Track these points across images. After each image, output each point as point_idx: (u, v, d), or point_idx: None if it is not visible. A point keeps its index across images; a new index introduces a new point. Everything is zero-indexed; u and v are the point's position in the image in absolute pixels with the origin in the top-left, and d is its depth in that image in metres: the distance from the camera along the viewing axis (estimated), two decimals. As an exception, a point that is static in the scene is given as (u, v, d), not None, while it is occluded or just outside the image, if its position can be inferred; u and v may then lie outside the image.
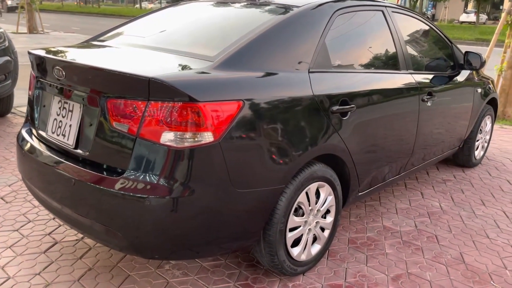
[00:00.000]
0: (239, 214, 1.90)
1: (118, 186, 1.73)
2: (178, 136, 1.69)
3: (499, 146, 4.85)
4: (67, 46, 2.33)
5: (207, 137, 1.71)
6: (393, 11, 2.88)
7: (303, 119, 2.04)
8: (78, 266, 2.27)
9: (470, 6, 40.43)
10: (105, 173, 1.81)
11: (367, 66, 2.59)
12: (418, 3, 30.11)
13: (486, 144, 4.23)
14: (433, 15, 44.15)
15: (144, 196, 1.69)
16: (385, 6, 2.82)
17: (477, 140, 3.99)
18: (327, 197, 2.30)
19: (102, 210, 1.81)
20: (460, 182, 3.72)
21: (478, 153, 4.07)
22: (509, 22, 6.31)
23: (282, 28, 2.11)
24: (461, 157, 3.95)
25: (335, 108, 2.19)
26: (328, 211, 2.36)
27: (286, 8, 2.29)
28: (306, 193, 2.15)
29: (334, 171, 2.33)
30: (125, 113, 1.75)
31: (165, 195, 1.69)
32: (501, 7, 31.52)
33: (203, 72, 1.80)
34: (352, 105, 2.29)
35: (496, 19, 33.53)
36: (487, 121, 4.09)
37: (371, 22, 2.70)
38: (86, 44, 2.49)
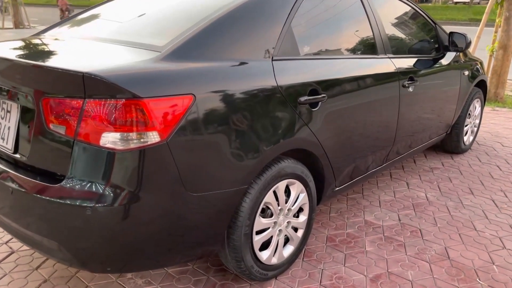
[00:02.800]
0: (197, 219, 1.73)
1: (56, 194, 1.56)
2: (120, 138, 1.51)
3: (490, 130, 4.68)
4: (7, 41, 2.14)
5: (153, 137, 1.53)
6: (369, -10, 2.68)
7: (266, 112, 1.86)
8: (33, 278, 2.11)
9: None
10: (43, 179, 1.63)
11: (340, 51, 2.40)
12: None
13: (475, 129, 4.07)
14: (427, -3, 43.60)
15: (84, 204, 1.52)
16: (360, -15, 2.62)
17: (466, 125, 3.82)
18: (299, 194, 2.14)
19: (42, 221, 1.64)
20: (448, 170, 3.56)
21: (467, 139, 3.90)
22: (499, 1, 6.10)
23: (240, 13, 1.92)
24: (450, 143, 3.79)
25: (303, 99, 2.01)
26: (301, 209, 2.20)
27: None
28: (274, 192, 1.99)
29: (307, 166, 2.17)
30: (61, 113, 1.57)
31: (107, 203, 1.52)
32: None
33: (147, 64, 1.62)
34: (323, 95, 2.11)
35: (491, -2, 33.13)
36: (476, 104, 3.92)
37: (344, 2, 2.50)
38: (30, 38, 2.29)
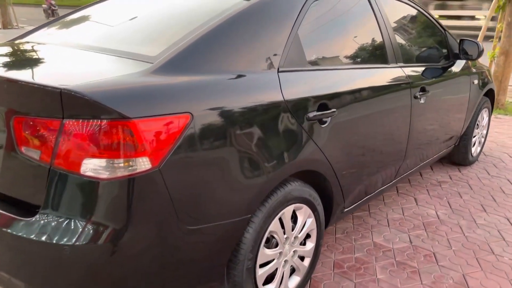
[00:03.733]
0: (193, 255, 1.51)
1: (29, 228, 1.33)
2: (105, 165, 1.29)
3: (495, 139, 4.52)
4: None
5: (143, 163, 1.31)
6: (379, -5, 2.48)
7: (272, 131, 1.65)
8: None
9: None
10: (15, 211, 1.40)
11: (350, 61, 2.19)
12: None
13: (483, 139, 3.89)
14: None
15: (62, 242, 1.30)
16: (370, -10, 2.42)
17: (474, 136, 3.64)
18: (306, 219, 1.93)
19: (14, 260, 1.41)
20: (456, 183, 3.37)
21: (474, 150, 3.72)
22: (501, 5, 5.96)
23: (243, 19, 1.70)
24: (457, 155, 3.61)
25: (311, 114, 1.80)
26: (308, 236, 1.99)
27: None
28: (280, 219, 1.78)
29: (314, 187, 1.96)
30: (35, 135, 1.34)
31: (88, 241, 1.29)
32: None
33: (137, 78, 1.40)
34: (333, 110, 1.90)
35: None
36: (484, 114, 3.74)
37: (354, 8, 2.30)
38: (5, 44, 2.05)
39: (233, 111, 1.52)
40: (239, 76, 1.61)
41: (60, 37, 2.02)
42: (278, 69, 1.74)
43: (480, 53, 3.01)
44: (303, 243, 1.97)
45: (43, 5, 17.60)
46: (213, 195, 1.48)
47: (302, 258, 1.98)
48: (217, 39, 1.61)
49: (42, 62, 1.67)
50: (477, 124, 3.63)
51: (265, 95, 1.65)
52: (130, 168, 1.30)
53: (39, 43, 1.94)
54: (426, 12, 2.97)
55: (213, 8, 1.78)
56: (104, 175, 1.28)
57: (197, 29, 1.62)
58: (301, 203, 1.86)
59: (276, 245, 1.81)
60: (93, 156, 1.28)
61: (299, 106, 1.76)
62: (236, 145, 1.52)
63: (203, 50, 1.56)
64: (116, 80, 1.37)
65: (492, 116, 5.48)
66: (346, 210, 2.26)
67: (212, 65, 1.56)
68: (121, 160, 1.29)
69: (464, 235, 2.61)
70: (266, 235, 1.72)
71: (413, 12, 2.85)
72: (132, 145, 1.29)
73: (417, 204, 3.00)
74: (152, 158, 1.32)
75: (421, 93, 2.55)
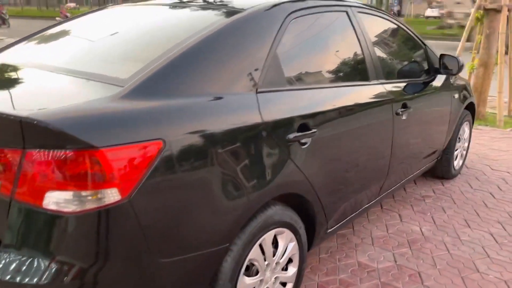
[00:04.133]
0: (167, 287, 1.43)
1: (-12, 268, 1.24)
2: (69, 197, 1.20)
3: (477, 151, 4.54)
4: None
5: (112, 195, 1.23)
6: (359, 12, 2.46)
7: (251, 155, 1.58)
8: None
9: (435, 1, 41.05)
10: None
11: (331, 79, 2.15)
12: (384, 0, 30.20)
13: (464, 152, 3.90)
14: (399, 11, 44.67)
15: (24, 282, 1.20)
16: (350, 6, 2.39)
17: (456, 150, 3.64)
18: (288, 244, 1.86)
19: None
20: (440, 198, 3.35)
21: (457, 163, 3.72)
22: (479, 18, 6.06)
23: (219, 39, 1.65)
24: (440, 169, 3.59)
25: (292, 136, 1.75)
26: (290, 260, 1.92)
27: (226, 13, 1.83)
28: (260, 245, 1.70)
29: (296, 209, 1.90)
30: (-5, 166, 1.25)
31: (52, 281, 1.20)
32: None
33: (106, 104, 1.32)
34: (313, 130, 1.85)
35: (460, 13, 34.15)
36: (465, 127, 3.75)
37: (334, 25, 2.27)
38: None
39: (209, 135, 1.45)
40: (216, 98, 1.55)
41: (24, 57, 1.92)
42: (256, 89, 1.69)
43: (460, 68, 3.02)
44: (285, 268, 1.90)
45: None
46: (188, 225, 1.40)
47: (284, 284, 1.91)
48: (192, 60, 1.55)
49: (2, 86, 1.58)
50: (459, 138, 3.64)
51: (243, 117, 1.59)
52: (97, 200, 1.22)
53: (3, 63, 1.85)
54: (406, 27, 2.97)
55: (189, 28, 1.72)
56: (69, 208, 1.20)
57: (172, 49, 1.56)
58: (282, 227, 1.79)
59: (257, 273, 1.73)
60: (57, 188, 1.20)
61: (278, 128, 1.70)
62: (213, 171, 1.45)
63: (177, 71, 1.50)
64: (82, 106, 1.29)
65: (473, 128, 5.52)
66: (330, 230, 2.21)
67: (187, 88, 1.49)
68: (88, 192, 1.21)
69: (449, 252, 2.57)
70: (246, 263, 1.65)
71: (394, 27, 2.84)
72: (99, 176, 1.21)
73: (401, 221, 2.97)
74: (121, 189, 1.24)
75: (402, 109, 2.53)
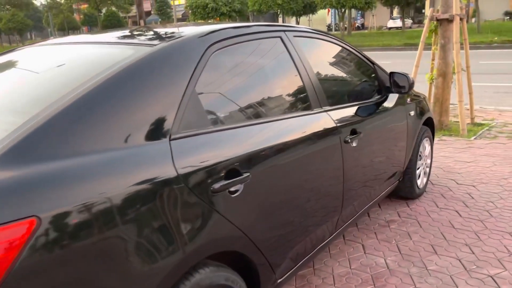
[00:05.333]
0: None
1: None
2: None
3: (441, 165, 4.42)
4: None
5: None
6: (296, 36, 2.28)
7: (164, 216, 1.34)
8: None
9: (395, 13, 42.30)
10: None
11: (264, 113, 1.94)
12: (346, 13, 30.82)
13: (428, 169, 3.75)
14: (362, 24, 45.78)
15: None
16: (284, 31, 2.21)
17: (418, 168, 3.49)
18: (226, 308, 1.61)
19: None
20: (405, 222, 3.17)
21: (420, 182, 3.57)
22: (433, 29, 6.06)
23: (118, 84, 1.42)
24: (403, 190, 3.43)
25: (218, 185, 1.52)
26: (232, 325, 1.67)
27: (134, 51, 1.61)
28: (188, 318, 1.45)
29: (233, 265, 1.66)
30: None
31: None
32: (423, 11, 33.07)
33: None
34: (246, 174, 1.63)
35: (421, 22, 35.25)
36: (426, 144, 3.61)
37: (266, 54, 2.08)
38: None
39: (104, 201, 1.21)
40: (117, 153, 1.31)
41: None
42: (170, 136, 1.46)
43: (411, 85, 2.88)
44: (226, 337, 1.65)
45: None
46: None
47: None
48: (83, 111, 1.31)
49: None
50: (420, 155, 3.49)
51: (151, 172, 1.35)
52: None
53: None
54: (351, 46, 2.82)
55: (84, 73, 1.49)
56: None
57: (57, 101, 1.32)
58: (216, 291, 1.55)
59: None
60: None
61: (199, 179, 1.47)
62: (116, 243, 1.20)
63: (64, 127, 1.26)
64: None
65: (437, 139, 5.44)
66: (280, 280, 1.97)
67: (77, 146, 1.25)
68: None
69: (415, 287, 2.37)
70: None
71: (337, 49, 2.69)
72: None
73: (365, 253, 2.76)
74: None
75: (351, 136, 2.34)
